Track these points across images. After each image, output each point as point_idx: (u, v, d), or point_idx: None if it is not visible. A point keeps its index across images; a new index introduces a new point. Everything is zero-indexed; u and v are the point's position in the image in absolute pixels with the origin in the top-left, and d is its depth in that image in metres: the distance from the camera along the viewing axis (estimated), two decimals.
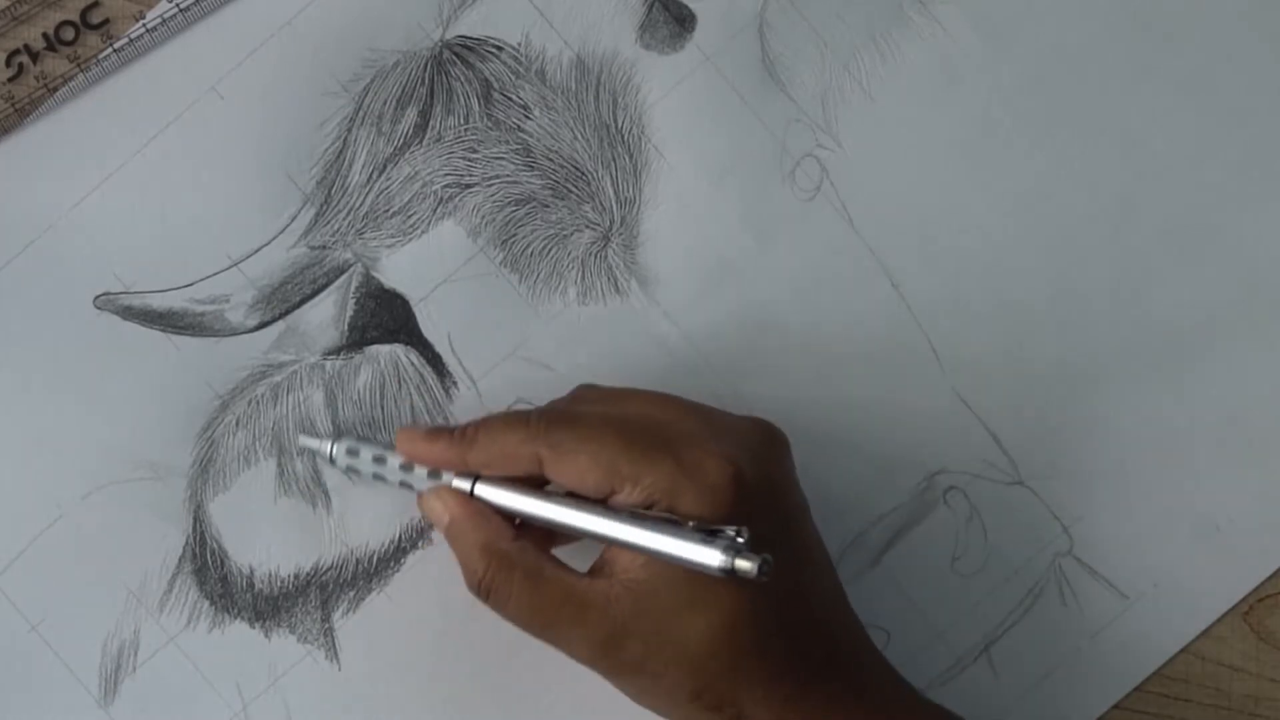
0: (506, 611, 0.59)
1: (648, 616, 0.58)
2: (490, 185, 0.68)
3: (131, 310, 0.67)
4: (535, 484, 0.60)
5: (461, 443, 0.60)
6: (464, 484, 0.61)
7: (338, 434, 0.64)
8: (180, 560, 0.67)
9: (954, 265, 0.69)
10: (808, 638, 0.60)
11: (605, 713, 0.64)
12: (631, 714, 0.63)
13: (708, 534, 0.56)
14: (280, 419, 0.67)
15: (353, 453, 0.63)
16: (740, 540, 0.56)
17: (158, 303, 0.67)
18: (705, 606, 0.57)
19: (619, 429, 0.58)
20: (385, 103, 0.68)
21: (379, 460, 0.63)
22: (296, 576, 0.67)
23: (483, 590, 0.59)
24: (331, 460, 0.64)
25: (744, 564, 0.55)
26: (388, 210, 0.68)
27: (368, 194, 0.68)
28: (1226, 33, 0.70)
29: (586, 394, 0.63)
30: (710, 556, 0.55)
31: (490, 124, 0.68)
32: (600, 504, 0.58)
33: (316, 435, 0.65)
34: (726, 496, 0.57)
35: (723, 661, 0.58)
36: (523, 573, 0.59)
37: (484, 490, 0.60)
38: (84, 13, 0.67)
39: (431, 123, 0.68)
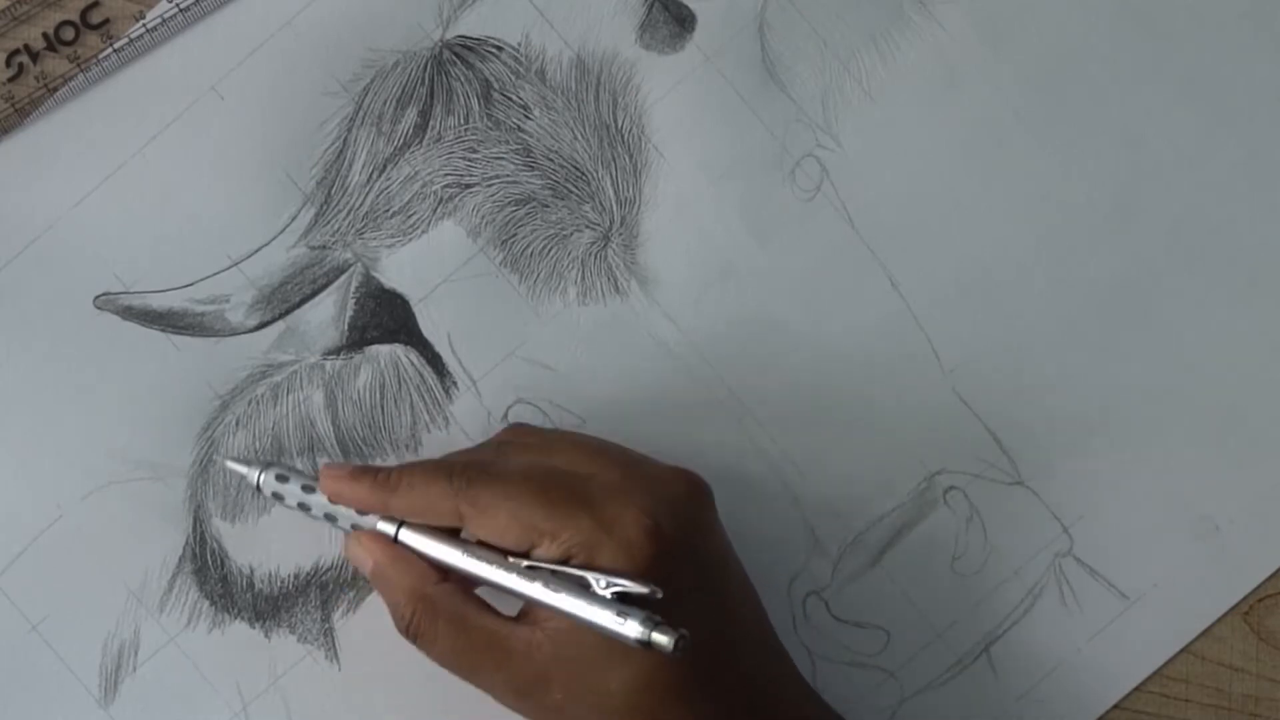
0: (432, 654, 0.60)
1: (568, 665, 0.58)
2: (490, 185, 0.68)
3: (131, 310, 0.67)
4: (458, 531, 0.61)
5: (384, 488, 0.61)
6: (389, 527, 0.61)
7: (266, 463, 0.64)
8: (180, 560, 0.67)
9: (954, 265, 0.69)
10: (730, 686, 0.60)
11: None
12: None
13: (625, 600, 0.57)
14: (280, 419, 0.67)
15: (282, 479, 0.63)
16: (657, 595, 0.56)
17: (158, 303, 0.67)
18: (625, 658, 0.58)
19: (539, 485, 0.59)
20: (385, 103, 0.68)
21: (307, 489, 0.62)
22: (296, 576, 0.67)
23: (410, 634, 0.60)
24: (258, 489, 0.63)
25: (660, 638, 0.56)
26: (388, 210, 0.68)
27: (368, 194, 0.68)
28: (1226, 33, 0.70)
29: (515, 439, 0.64)
30: (628, 629, 0.56)
31: (490, 124, 0.68)
32: (522, 560, 0.59)
33: (244, 461, 0.64)
34: (644, 552, 0.58)
35: (643, 712, 0.59)
36: (446, 618, 0.60)
37: (408, 536, 0.61)
38: (84, 13, 0.67)
39: (431, 123, 0.68)
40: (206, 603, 0.67)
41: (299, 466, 0.64)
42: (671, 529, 0.59)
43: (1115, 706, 0.68)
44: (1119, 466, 0.69)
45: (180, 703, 0.66)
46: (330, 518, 0.62)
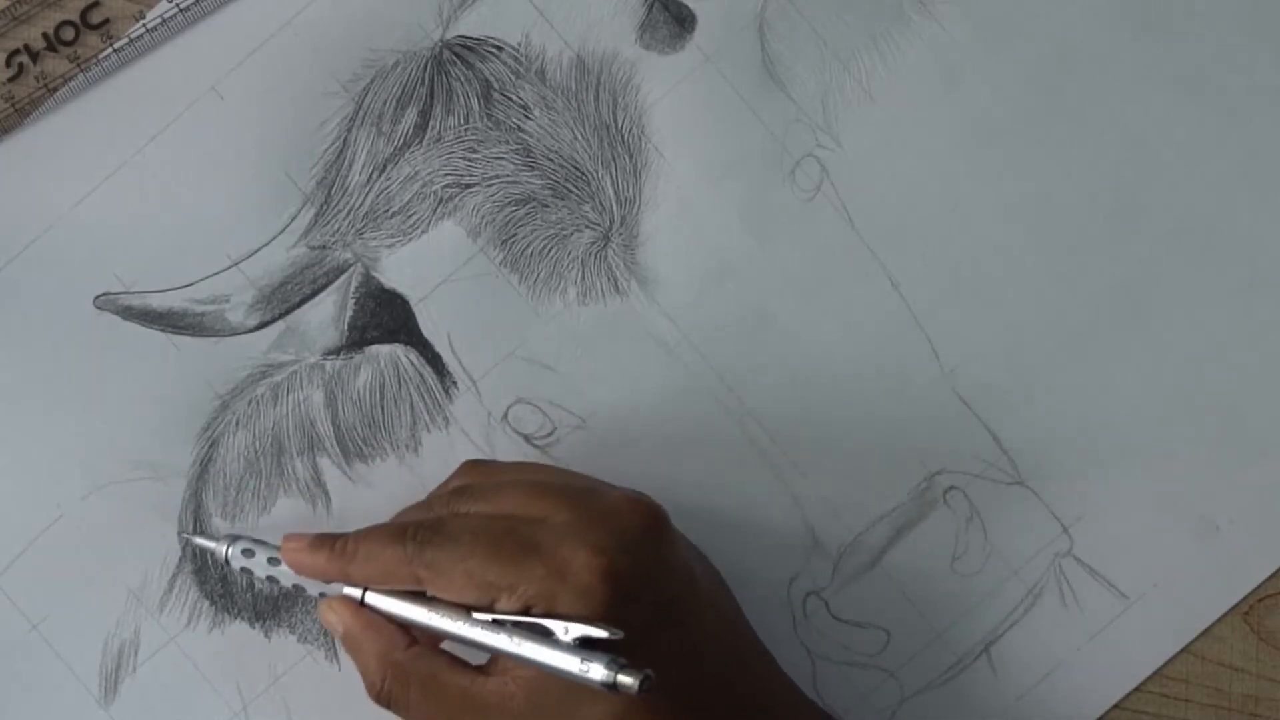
0: (408, 718, 0.61)
1: (544, 710, 0.59)
2: (490, 185, 0.68)
3: (131, 310, 0.67)
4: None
5: (342, 557, 0.61)
6: (356, 592, 0.62)
7: (232, 536, 0.64)
8: (180, 560, 0.67)
9: (954, 265, 0.69)
10: (707, 710, 0.60)
11: None
12: None
13: (588, 644, 0.57)
14: (280, 419, 0.67)
15: (248, 553, 0.64)
16: (618, 637, 0.57)
17: (158, 303, 0.67)
18: (596, 698, 0.58)
19: (490, 540, 0.59)
20: (385, 103, 0.68)
21: (274, 562, 0.63)
22: None
23: (382, 700, 0.61)
24: (226, 562, 0.64)
25: (625, 680, 0.56)
26: (388, 210, 0.68)
27: (368, 194, 0.68)
28: (1226, 33, 0.70)
29: (466, 483, 0.64)
30: (594, 673, 0.56)
31: (490, 124, 0.68)
32: (485, 613, 0.59)
33: (211, 536, 0.65)
34: (600, 595, 0.58)
35: None
36: (418, 681, 0.60)
37: (374, 599, 0.61)
38: (84, 13, 0.67)
39: (431, 123, 0.68)
40: (206, 603, 0.67)
41: (265, 539, 0.64)
42: (626, 565, 0.59)
43: (1115, 706, 0.68)
44: (1119, 466, 0.69)
45: (180, 703, 0.66)
46: (299, 588, 0.63)
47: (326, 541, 0.62)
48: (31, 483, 0.66)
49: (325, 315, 0.68)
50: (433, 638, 0.61)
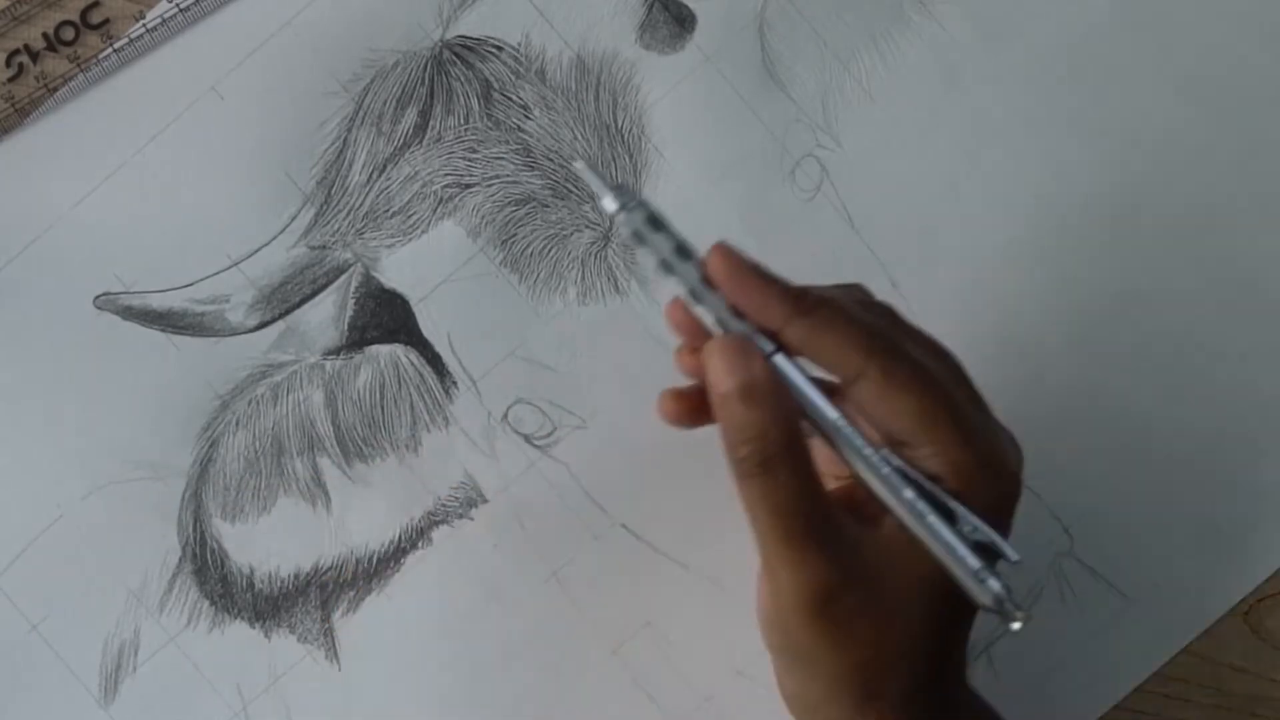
0: (767, 496, 0.52)
1: (883, 581, 0.53)
2: (490, 185, 0.68)
3: (131, 310, 0.67)
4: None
5: (797, 308, 0.53)
6: (765, 345, 0.53)
7: (639, 200, 0.54)
8: (180, 560, 0.67)
9: (954, 265, 0.69)
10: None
11: (603, 713, 0.64)
12: (626, 716, 0.63)
13: (984, 550, 0.52)
14: (280, 419, 0.67)
15: (654, 225, 0.54)
16: (1020, 561, 0.52)
17: (158, 303, 0.67)
18: (944, 599, 0.53)
19: (945, 390, 0.53)
20: (385, 103, 0.68)
21: (682, 254, 0.54)
22: (296, 576, 0.67)
23: (760, 463, 0.52)
24: (611, 221, 0.54)
25: (1014, 625, 0.52)
26: (388, 210, 0.68)
27: (368, 194, 0.68)
28: (1226, 33, 0.70)
29: (897, 323, 0.56)
30: (984, 592, 0.52)
31: (490, 124, 0.68)
32: (895, 454, 0.53)
33: (604, 182, 0.55)
34: (1011, 503, 0.54)
35: (930, 660, 0.54)
36: (809, 468, 0.52)
37: (787, 368, 0.53)
38: (84, 13, 0.67)
39: (431, 123, 0.68)
40: (206, 603, 0.67)
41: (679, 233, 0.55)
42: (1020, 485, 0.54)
43: (1115, 706, 0.68)
44: (1119, 466, 0.69)
45: (180, 703, 0.66)
46: (696, 296, 0.54)
47: (777, 280, 0.54)
48: (31, 483, 0.67)
49: (325, 315, 0.68)
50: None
